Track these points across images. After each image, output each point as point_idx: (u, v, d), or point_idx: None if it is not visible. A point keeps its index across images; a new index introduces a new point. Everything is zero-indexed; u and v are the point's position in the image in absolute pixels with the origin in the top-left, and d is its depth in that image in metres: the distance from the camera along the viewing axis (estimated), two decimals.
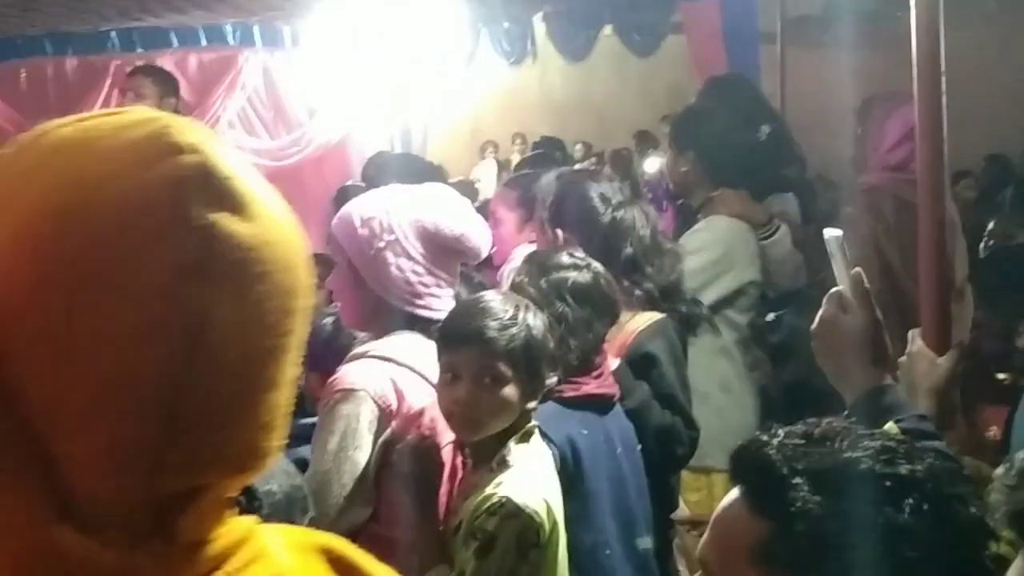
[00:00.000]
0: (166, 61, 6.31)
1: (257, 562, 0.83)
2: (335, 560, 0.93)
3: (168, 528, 0.78)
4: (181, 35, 6.50)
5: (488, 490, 1.93)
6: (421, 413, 2.13)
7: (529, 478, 1.98)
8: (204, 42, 6.59)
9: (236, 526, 0.83)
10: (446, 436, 2.09)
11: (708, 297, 3.23)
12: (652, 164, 9.07)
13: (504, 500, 1.90)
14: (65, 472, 0.75)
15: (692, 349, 3.07)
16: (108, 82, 6.34)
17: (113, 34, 6.34)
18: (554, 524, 1.98)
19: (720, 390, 3.34)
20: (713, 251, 3.37)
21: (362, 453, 2.10)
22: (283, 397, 0.83)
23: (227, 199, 0.77)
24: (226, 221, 0.76)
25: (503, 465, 1.97)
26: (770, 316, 3.38)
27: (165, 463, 0.76)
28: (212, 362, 0.75)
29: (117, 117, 0.80)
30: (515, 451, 2.00)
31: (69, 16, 5.64)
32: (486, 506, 1.91)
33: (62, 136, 0.79)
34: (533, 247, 3.03)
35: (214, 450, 0.78)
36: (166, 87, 4.58)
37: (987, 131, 6.16)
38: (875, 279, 3.16)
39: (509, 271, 3.08)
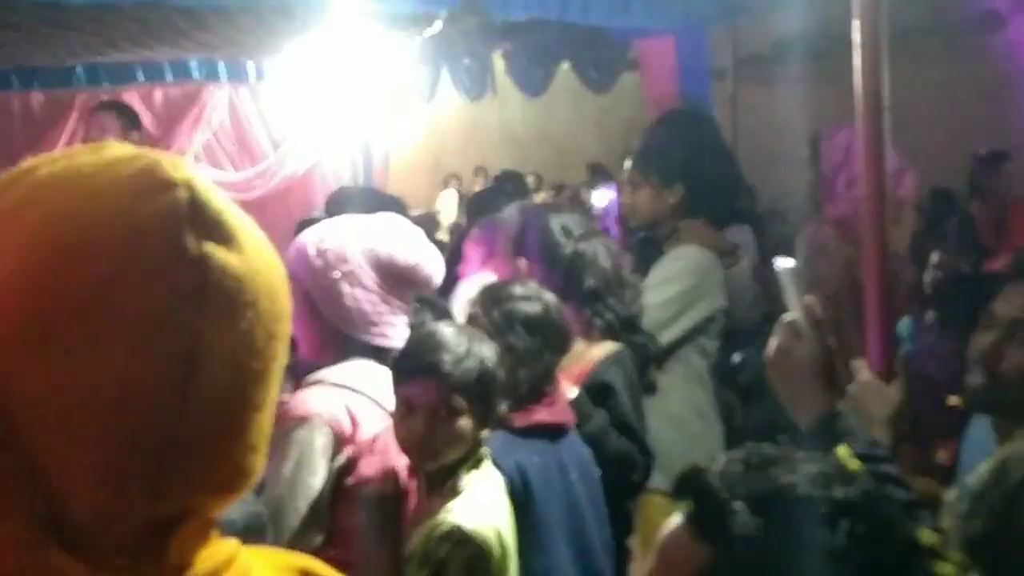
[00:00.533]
0: (132, 96, 6.33)
1: None
2: None
3: (158, 551, 0.81)
4: (147, 70, 6.48)
5: (439, 517, 1.95)
6: (375, 439, 2.15)
7: (479, 505, 2.00)
8: (170, 77, 6.58)
9: (221, 548, 0.86)
10: (400, 460, 2.11)
11: (684, 325, 3.24)
12: (600, 197, 9.08)
13: (454, 527, 1.92)
14: (61, 496, 0.77)
15: (667, 376, 3.11)
16: (74, 116, 6.36)
17: (79, 69, 6.31)
18: (504, 550, 1.99)
19: (695, 416, 3.33)
20: (687, 279, 3.35)
21: (316, 478, 2.11)
22: (268, 418, 0.86)
23: (218, 231, 0.81)
24: (218, 253, 0.79)
25: (454, 492, 2.00)
26: (736, 357, 3.40)
27: (161, 486, 0.78)
28: (207, 387, 0.78)
29: (102, 154, 0.82)
30: (466, 478, 2.02)
31: (35, 51, 5.61)
32: (436, 533, 1.93)
33: (51, 172, 0.81)
34: (488, 276, 3.06)
35: (207, 472, 0.81)
36: (129, 121, 4.61)
37: (932, 166, 6.28)
38: (848, 303, 3.20)
39: (459, 298, 3.11)
